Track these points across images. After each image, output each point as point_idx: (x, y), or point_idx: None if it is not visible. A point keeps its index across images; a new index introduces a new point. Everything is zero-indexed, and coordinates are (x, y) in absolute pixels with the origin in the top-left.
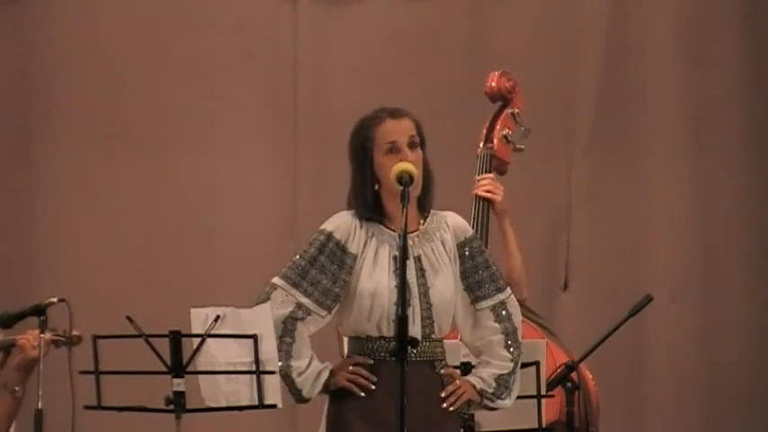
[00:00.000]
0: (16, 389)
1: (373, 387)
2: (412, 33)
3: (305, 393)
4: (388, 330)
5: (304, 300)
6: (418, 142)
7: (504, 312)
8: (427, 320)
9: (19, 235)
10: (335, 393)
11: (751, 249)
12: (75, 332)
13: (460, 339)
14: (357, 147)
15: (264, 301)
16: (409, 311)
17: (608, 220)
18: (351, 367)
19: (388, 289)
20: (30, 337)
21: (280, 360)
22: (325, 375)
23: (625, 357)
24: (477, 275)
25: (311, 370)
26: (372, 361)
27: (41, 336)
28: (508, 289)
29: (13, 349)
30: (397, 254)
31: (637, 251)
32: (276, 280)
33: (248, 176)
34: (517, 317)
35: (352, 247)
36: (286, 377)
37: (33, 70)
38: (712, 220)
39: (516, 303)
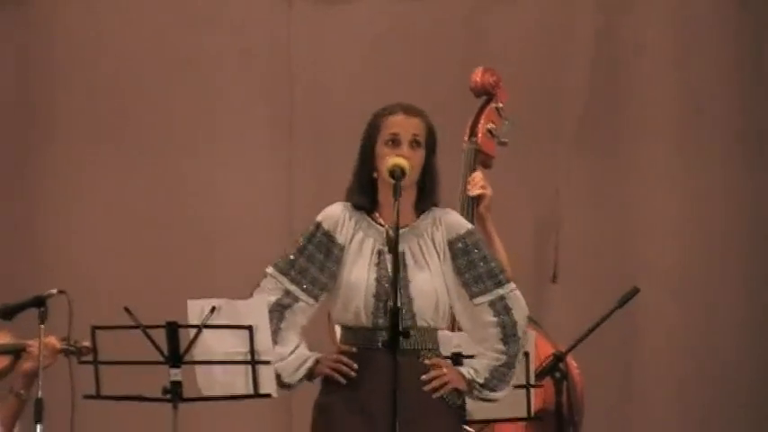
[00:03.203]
0: (21, 392)
1: (354, 374)
2: (406, 33)
3: (284, 379)
4: (367, 321)
5: (292, 287)
6: (422, 143)
7: (503, 307)
8: (408, 313)
9: (22, 229)
10: (324, 382)
11: (738, 244)
12: (84, 343)
13: (460, 329)
14: (365, 133)
15: (255, 287)
16: (390, 303)
17: (597, 215)
18: (334, 356)
19: (366, 281)
20: (39, 345)
21: None
22: (310, 363)
23: (615, 349)
24: (473, 271)
25: (294, 356)
26: (356, 350)
27: (41, 326)
28: (510, 284)
29: (22, 354)
30: (381, 247)
31: (625, 245)
32: (268, 268)
33: (245, 174)
34: (518, 311)
35: (340, 238)
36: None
37: (38, 71)
38: (700, 215)
39: (519, 298)
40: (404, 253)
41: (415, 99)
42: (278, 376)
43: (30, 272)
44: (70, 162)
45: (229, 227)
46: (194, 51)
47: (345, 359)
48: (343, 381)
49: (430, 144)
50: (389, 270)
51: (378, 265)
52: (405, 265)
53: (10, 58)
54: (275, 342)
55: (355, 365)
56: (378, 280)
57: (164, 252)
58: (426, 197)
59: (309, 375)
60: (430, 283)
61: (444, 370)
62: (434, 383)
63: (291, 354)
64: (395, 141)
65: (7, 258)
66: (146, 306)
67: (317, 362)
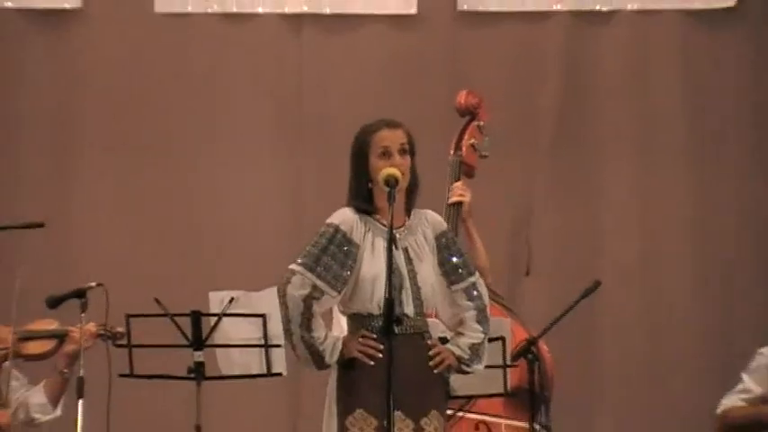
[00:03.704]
0: (65, 371)
1: (380, 356)
2: (400, 57)
3: (327, 360)
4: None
5: (319, 282)
6: (408, 150)
7: (474, 293)
8: (417, 300)
9: (62, 230)
10: (344, 364)
11: (690, 242)
12: (118, 328)
13: (437, 316)
14: (356, 149)
15: (286, 283)
16: (403, 293)
17: (565, 217)
18: (360, 340)
19: (385, 275)
20: (79, 331)
21: (302, 333)
22: (339, 346)
23: (581, 334)
24: (451, 262)
25: (329, 340)
26: (375, 336)
27: (82, 314)
28: (477, 273)
29: (66, 338)
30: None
31: (589, 243)
32: (294, 266)
33: (260, 179)
34: (485, 296)
35: (356, 238)
36: (311, 347)
37: (73, 92)
38: (654, 216)
39: (484, 285)
40: (407, 249)
41: (408, 114)
42: (320, 358)
43: (72, 267)
44: (104, 167)
45: (244, 225)
46: (214, 74)
47: (372, 343)
48: (370, 362)
49: (412, 150)
50: (398, 264)
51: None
52: (410, 260)
53: (51, 85)
54: (310, 329)
55: (380, 346)
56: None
57: (187, 248)
58: (413, 198)
59: (340, 356)
60: (429, 273)
61: (442, 349)
62: (436, 360)
63: (326, 339)
64: (386, 153)
65: (53, 255)
66: (171, 295)
67: (344, 344)
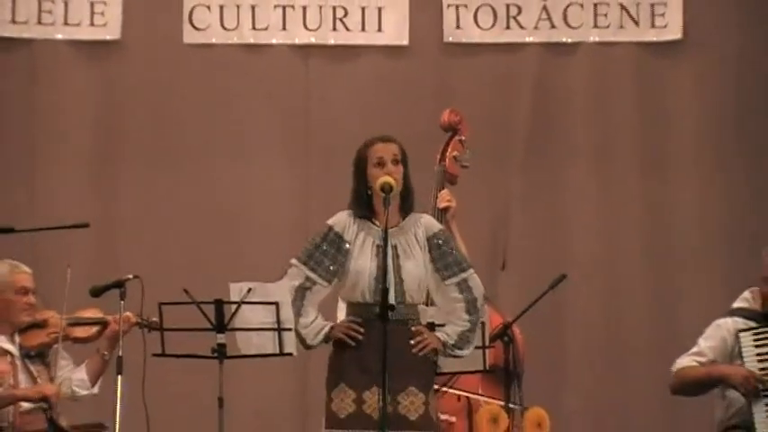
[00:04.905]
0: (105, 353)
1: (361, 338)
2: (393, 81)
3: (308, 342)
4: (370, 297)
5: (311, 274)
6: (400, 160)
7: (465, 286)
8: (399, 291)
9: (104, 230)
10: (336, 345)
11: (641, 242)
12: (153, 318)
13: (429, 305)
14: (356, 161)
15: (284, 275)
16: (387, 284)
17: (535, 218)
18: (345, 324)
19: (368, 269)
20: (119, 319)
21: (294, 318)
22: (326, 330)
23: (548, 319)
24: (443, 260)
25: (314, 325)
26: (361, 320)
27: (121, 302)
28: (471, 270)
29: (107, 325)
30: (379, 243)
31: (556, 241)
32: (292, 260)
33: (272, 185)
34: (477, 290)
35: (347, 236)
36: (296, 330)
37: (112, 111)
38: (613, 219)
39: (477, 280)
40: (396, 246)
41: (399, 130)
42: (303, 340)
43: (112, 260)
44: (139, 177)
45: (259, 226)
46: (234, 93)
47: (355, 326)
48: (352, 343)
49: (404, 161)
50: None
51: (377, 256)
52: (397, 256)
53: (90, 101)
54: (300, 315)
55: (362, 330)
56: (378, 267)
57: (209, 245)
58: (407, 202)
59: (326, 339)
60: (416, 268)
61: (425, 335)
62: (419, 345)
63: (312, 323)
64: (381, 163)
65: (94, 251)
66: (195, 286)
67: (332, 328)
